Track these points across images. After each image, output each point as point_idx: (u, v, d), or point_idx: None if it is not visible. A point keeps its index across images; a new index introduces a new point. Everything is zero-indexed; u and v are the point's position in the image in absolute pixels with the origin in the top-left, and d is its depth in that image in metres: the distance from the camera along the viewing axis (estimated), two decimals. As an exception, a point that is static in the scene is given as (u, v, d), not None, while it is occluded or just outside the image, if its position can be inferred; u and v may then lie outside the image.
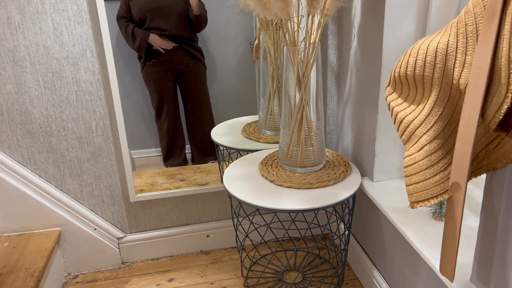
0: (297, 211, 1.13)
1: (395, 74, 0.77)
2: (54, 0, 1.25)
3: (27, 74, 1.31)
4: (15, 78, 1.31)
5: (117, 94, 1.37)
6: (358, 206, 1.43)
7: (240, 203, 1.19)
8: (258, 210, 1.17)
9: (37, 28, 1.27)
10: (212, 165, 1.87)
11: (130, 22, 1.51)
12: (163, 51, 1.56)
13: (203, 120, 1.77)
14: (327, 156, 1.38)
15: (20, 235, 1.45)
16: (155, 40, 1.53)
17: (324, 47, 1.48)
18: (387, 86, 0.81)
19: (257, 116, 1.77)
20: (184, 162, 1.88)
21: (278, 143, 1.54)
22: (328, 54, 1.48)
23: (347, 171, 1.28)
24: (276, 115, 1.60)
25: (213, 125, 1.80)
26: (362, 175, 1.33)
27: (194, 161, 1.87)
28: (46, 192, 1.43)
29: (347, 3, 1.24)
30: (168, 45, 1.55)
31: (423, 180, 0.74)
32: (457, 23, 0.67)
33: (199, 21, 1.55)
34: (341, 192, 1.18)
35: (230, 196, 1.23)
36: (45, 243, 1.42)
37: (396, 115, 0.78)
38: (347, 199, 1.17)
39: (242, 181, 1.27)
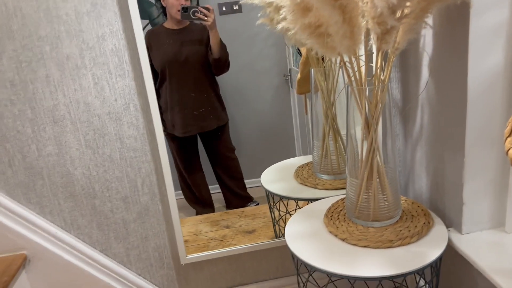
0: (380, 278, 0.96)
1: (523, 123, 0.62)
2: (94, 53, 1.17)
3: (67, 134, 1.22)
4: (55, 139, 1.22)
5: (164, 148, 1.26)
6: (443, 262, 1.25)
7: (308, 268, 1.03)
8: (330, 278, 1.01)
9: (77, 84, 1.19)
10: (256, 209, 1.74)
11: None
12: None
13: (229, 167, 1.65)
14: (401, 204, 1.21)
15: (65, 307, 1.33)
16: None
17: (385, 82, 1.34)
18: (508, 137, 0.66)
19: (305, 156, 1.64)
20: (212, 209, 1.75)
21: (338, 189, 1.39)
22: (391, 89, 1.33)
23: (429, 222, 1.11)
24: (332, 155, 1.46)
25: (239, 169, 1.66)
26: (447, 226, 1.15)
27: (228, 207, 1.74)
28: (90, 259, 1.32)
29: (418, 34, 1.10)
30: None
31: None
32: None
33: (220, 65, 1.44)
34: (428, 250, 1.01)
35: (295, 257, 1.08)
36: (91, 315, 1.29)
37: (526, 173, 0.62)
38: (437, 259, 0.99)
39: (308, 240, 1.12)
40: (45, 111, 1.19)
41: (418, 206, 1.19)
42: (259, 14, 1.29)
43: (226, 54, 1.44)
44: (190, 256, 1.40)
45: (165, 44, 1.40)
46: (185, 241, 1.59)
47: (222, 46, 1.41)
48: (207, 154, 1.60)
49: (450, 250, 1.18)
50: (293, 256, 1.09)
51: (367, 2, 0.91)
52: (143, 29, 1.49)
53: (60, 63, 1.16)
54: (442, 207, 1.17)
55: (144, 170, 1.29)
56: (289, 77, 1.58)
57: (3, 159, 1.21)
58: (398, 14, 0.91)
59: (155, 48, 1.37)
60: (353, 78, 1.03)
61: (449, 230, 1.12)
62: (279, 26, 1.03)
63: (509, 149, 0.65)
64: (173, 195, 1.31)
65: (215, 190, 1.73)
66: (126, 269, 1.37)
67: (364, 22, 0.95)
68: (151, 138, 1.26)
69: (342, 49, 0.96)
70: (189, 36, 1.42)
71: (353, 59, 1.00)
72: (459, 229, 1.10)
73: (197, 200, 1.69)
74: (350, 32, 0.92)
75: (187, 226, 1.73)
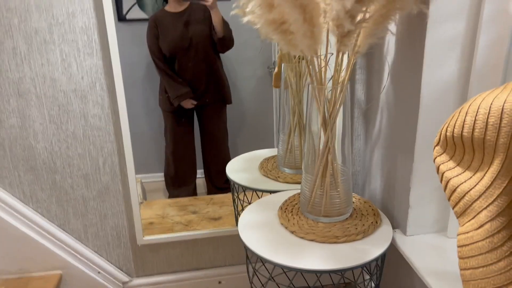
0: (321, 272, 1.00)
1: (448, 134, 0.65)
2: (64, 30, 1.17)
3: (32, 108, 1.23)
4: (19, 112, 1.22)
5: (127, 130, 1.27)
6: (387, 261, 1.30)
7: (258, 257, 1.07)
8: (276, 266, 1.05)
9: (44, 59, 1.19)
10: (225, 197, 1.77)
11: (164, 64, 1.47)
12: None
13: (219, 152, 1.68)
14: (353, 202, 1.25)
15: (18, 278, 1.35)
16: (187, 103, 1.50)
17: (351, 82, 1.37)
18: (436, 145, 0.69)
19: (272, 149, 1.67)
20: (193, 194, 1.79)
21: (298, 183, 1.42)
22: (355, 90, 1.36)
23: (377, 222, 1.15)
24: (296, 150, 1.49)
25: (228, 157, 1.70)
26: (394, 227, 1.19)
27: (209, 193, 1.77)
28: (47, 232, 1.33)
29: (380, 40, 1.13)
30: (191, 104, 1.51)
31: (484, 266, 0.61)
32: (531, 80, 0.55)
33: (224, 43, 1.47)
34: (371, 248, 1.05)
35: (246, 248, 1.11)
36: (44, 287, 1.31)
37: (447, 182, 0.66)
38: (378, 258, 1.04)
39: (259, 230, 1.15)
40: (10, 83, 1.20)
41: (370, 206, 1.23)
42: (234, 5, 1.30)
43: (230, 31, 1.46)
44: (146, 237, 1.42)
45: (170, 28, 1.42)
46: (151, 223, 1.61)
47: (225, 24, 1.43)
48: (201, 133, 1.63)
49: (394, 250, 1.23)
50: (244, 246, 1.12)
51: (329, 4, 0.93)
52: (129, 9, 1.50)
53: (28, 36, 1.17)
54: (392, 208, 1.22)
55: (107, 149, 1.30)
56: (273, 69, 1.60)
57: (-35, 127, 1.21)
58: (359, 18, 0.93)
59: (161, 32, 1.39)
60: (314, 77, 1.06)
61: (394, 231, 1.16)
62: (245, 19, 1.05)
63: (435, 157, 0.69)
64: (133, 176, 1.33)
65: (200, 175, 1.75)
66: (83, 245, 1.39)
67: (326, 23, 0.97)
68: (115, 118, 1.27)
69: (303, 48, 0.99)
70: (192, 17, 1.44)
71: (315, 58, 1.02)
72: (404, 231, 1.14)
73: (180, 183, 1.71)
74: (311, 32, 0.94)
75: (155, 208, 1.75)
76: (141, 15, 1.54)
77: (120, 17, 1.56)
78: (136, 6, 1.50)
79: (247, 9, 1.02)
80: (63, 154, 1.28)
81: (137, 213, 1.38)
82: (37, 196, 1.31)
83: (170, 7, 1.42)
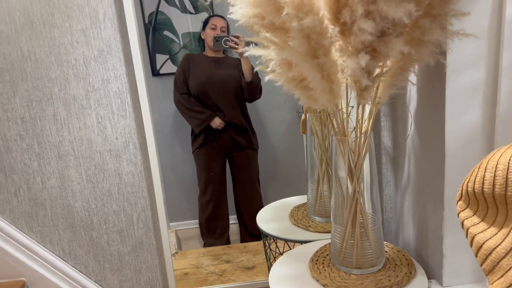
0: (354, 328, 0.97)
1: (469, 189, 0.64)
2: (99, 95, 1.26)
3: (70, 168, 1.30)
4: (59, 173, 1.30)
5: (159, 186, 1.32)
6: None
7: (289, 313, 1.05)
8: (309, 322, 1.03)
9: (82, 123, 1.27)
10: (258, 244, 1.77)
11: (181, 95, 1.53)
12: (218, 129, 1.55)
13: (252, 199, 1.70)
14: (386, 251, 1.22)
15: (57, 334, 1.38)
16: (216, 122, 1.53)
17: (377, 129, 1.37)
18: (459, 200, 0.68)
19: (302, 196, 1.67)
20: (227, 242, 1.80)
21: (329, 232, 1.41)
22: (381, 137, 1.36)
23: (411, 273, 1.11)
24: (326, 198, 1.49)
25: (260, 203, 1.71)
26: (429, 277, 1.15)
27: (242, 241, 1.78)
28: (85, 288, 1.37)
29: (401, 90, 1.14)
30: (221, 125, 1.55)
31: (517, 328, 0.58)
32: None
33: (251, 88, 1.52)
34: (405, 301, 1.02)
35: (277, 303, 1.10)
36: None
37: (473, 238, 0.65)
38: (413, 312, 1.00)
39: (291, 283, 1.14)
40: (51, 146, 1.28)
41: (403, 255, 1.20)
42: (257, 62, 1.36)
43: (258, 79, 1.52)
44: (180, 291, 1.43)
45: (202, 66, 1.50)
46: (185, 274, 1.63)
47: (254, 71, 1.50)
48: (233, 180, 1.66)
49: (432, 302, 1.18)
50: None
51: (346, 61, 0.96)
52: (163, 65, 1.60)
53: (67, 103, 1.26)
54: (426, 257, 1.18)
55: (140, 205, 1.35)
56: (301, 113, 1.63)
57: (10, 189, 1.29)
58: (376, 72, 0.96)
59: (192, 68, 1.47)
60: (337, 129, 1.07)
61: (430, 282, 1.12)
62: (267, 78, 1.09)
63: (459, 212, 0.68)
64: (166, 230, 1.36)
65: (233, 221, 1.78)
66: (119, 301, 1.42)
67: (344, 78, 1.00)
68: (147, 175, 1.33)
69: (324, 102, 1.01)
70: (226, 62, 1.52)
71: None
72: (440, 282, 1.10)
73: (214, 231, 1.73)
74: (329, 88, 0.97)
75: (190, 258, 1.77)
76: (174, 69, 1.63)
77: (154, 72, 1.66)
78: (169, 61, 1.60)
79: (268, 69, 1.07)
80: (99, 211, 1.34)
81: (170, 267, 1.40)
82: (76, 252, 1.36)
83: (207, 53, 1.51)
